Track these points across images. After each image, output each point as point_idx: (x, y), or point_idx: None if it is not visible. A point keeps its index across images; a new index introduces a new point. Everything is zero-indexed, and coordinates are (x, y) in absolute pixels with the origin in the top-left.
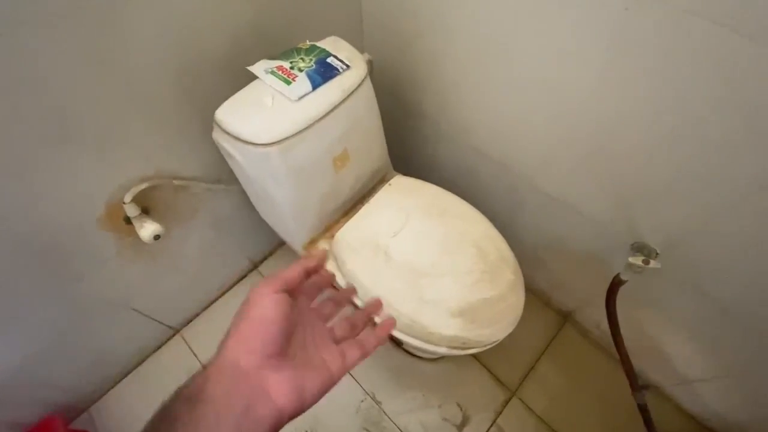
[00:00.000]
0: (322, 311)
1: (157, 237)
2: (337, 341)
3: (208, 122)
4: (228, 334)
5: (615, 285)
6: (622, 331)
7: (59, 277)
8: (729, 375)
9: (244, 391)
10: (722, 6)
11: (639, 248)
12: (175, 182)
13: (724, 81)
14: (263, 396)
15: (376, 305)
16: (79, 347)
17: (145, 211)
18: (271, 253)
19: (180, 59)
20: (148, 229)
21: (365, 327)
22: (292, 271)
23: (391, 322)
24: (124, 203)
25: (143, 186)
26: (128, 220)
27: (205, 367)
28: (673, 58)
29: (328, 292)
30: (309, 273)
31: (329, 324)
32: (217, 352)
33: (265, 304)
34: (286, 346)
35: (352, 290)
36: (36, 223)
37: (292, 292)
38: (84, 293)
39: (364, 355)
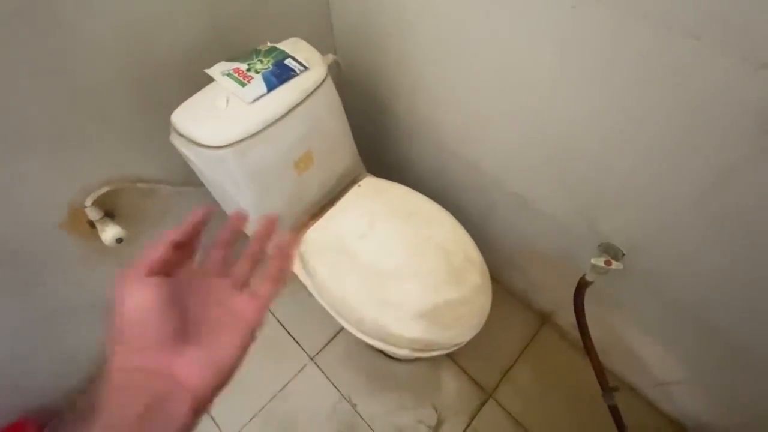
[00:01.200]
0: (212, 265)
1: (119, 240)
2: (242, 286)
3: (169, 125)
4: (110, 338)
5: (581, 286)
6: (596, 333)
7: (20, 284)
8: (693, 374)
9: (148, 390)
10: (661, 7)
11: (606, 249)
12: (140, 185)
13: (669, 81)
14: (172, 386)
15: (266, 223)
16: (49, 352)
17: (111, 215)
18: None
19: (135, 63)
20: (109, 233)
21: (263, 252)
22: (158, 251)
23: (293, 238)
24: (85, 207)
25: (104, 190)
26: (92, 224)
27: (95, 384)
28: (618, 58)
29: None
30: (184, 241)
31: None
32: (107, 359)
33: (135, 294)
34: (180, 326)
35: (237, 219)
36: None
37: (168, 268)
38: (49, 298)
39: (276, 284)
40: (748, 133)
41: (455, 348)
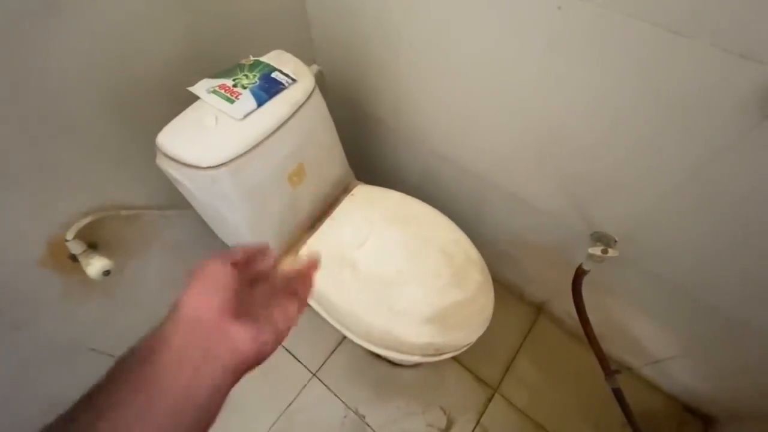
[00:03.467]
0: (271, 283)
1: (106, 273)
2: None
3: (153, 147)
4: (180, 298)
5: (579, 275)
6: (592, 318)
7: None
8: (691, 352)
9: (203, 338)
10: (646, 3)
11: (599, 238)
12: (123, 213)
13: (655, 74)
14: (223, 340)
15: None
16: (30, 398)
17: (93, 247)
18: None
19: (111, 85)
20: (95, 266)
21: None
22: (237, 253)
23: (313, 262)
24: (66, 241)
25: (86, 221)
26: (74, 258)
27: (159, 325)
28: (605, 55)
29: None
30: (250, 258)
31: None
32: (172, 309)
33: (218, 271)
34: (239, 306)
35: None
36: None
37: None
38: (28, 341)
39: (303, 305)
40: (733, 120)
41: (465, 348)
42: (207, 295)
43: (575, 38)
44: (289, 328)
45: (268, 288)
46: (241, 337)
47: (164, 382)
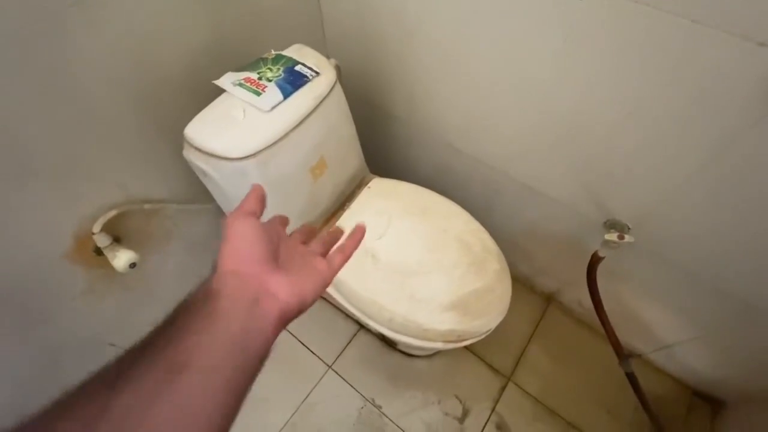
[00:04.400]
0: (297, 237)
1: (132, 265)
2: (318, 255)
3: (175, 141)
4: (218, 258)
5: (594, 262)
6: (604, 305)
7: (23, 322)
8: (701, 335)
9: (250, 288)
10: None
11: (612, 225)
12: (146, 206)
13: (671, 61)
14: (266, 292)
15: (357, 230)
16: (52, 392)
17: (117, 240)
18: None
19: (138, 81)
20: (122, 258)
21: (334, 242)
22: (247, 199)
23: (362, 227)
24: (93, 234)
25: (112, 214)
26: (99, 251)
27: (204, 282)
28: (623, 45)
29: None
30: (262, 199)
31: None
32: (213, 270)
33: (239, 226)
34: (272, 257)
35: (339, 231)
36: None
37: (257, 216)
38: (52, 334)
39: (346, 258)
40: (751, 107)
41: (485, 335)
42: (241, 251)
43: (594, 29)
44: (332, 277)
45: (302, 238)
46: (281, 287)
47: (223, 320)
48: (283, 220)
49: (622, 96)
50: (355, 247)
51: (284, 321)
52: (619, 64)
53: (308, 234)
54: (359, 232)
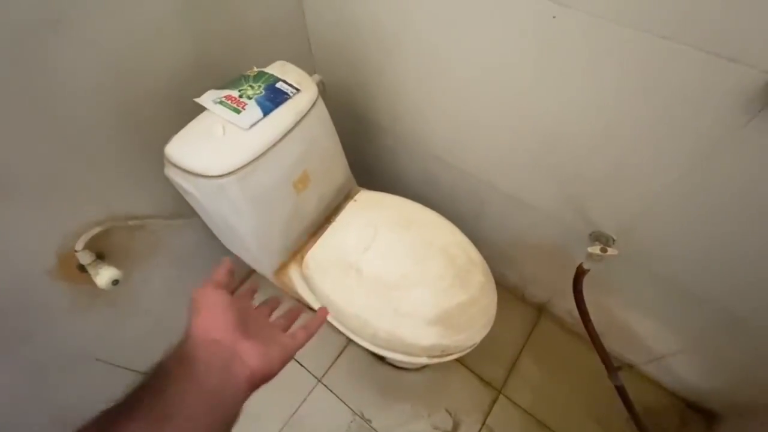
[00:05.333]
0: (267, 314)
1: (115, 282)
2: (283, 330)
3: (159, 158)
4: (190, 326)
5: (579, 274)
6: (593, 316)
7: (7, 338)
8: (690, 347)
9: (222, 354)
10: (638, 12)
11: (597, 237)
12: (131, 222)
13: (643, 78)
14: (237, 358)
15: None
16: (38, 410)
17: (100, 256)
18: (241, 282)
19: (121, 97)
20: (104, 276)
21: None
22: (216, 272)
23: (326, 310)
24: (76, 251)
25: (95, 231)
26: (82, 268)
27: (177, 346)
28: (598, 61)
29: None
30: (231, 272)
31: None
32: (185, 336)
33: (210, 296)
34: (244, 329)
35: (301, 309)
36: None
37: (226, 288)
38: (38, 350)
39: (309, 336)
40: (723, 120)
41: (470, 349)
42: (213, 319)
43: (567, 44)
44: (296, 351)
45: (267, 311)
46: (251, 354)
47: (200, 381)
48: (252, 290)
49: (598, 109)
50: (319, 326)
51: (253, 385)
52: (593, 77)
53: (273, 306)
54: (323, 314)
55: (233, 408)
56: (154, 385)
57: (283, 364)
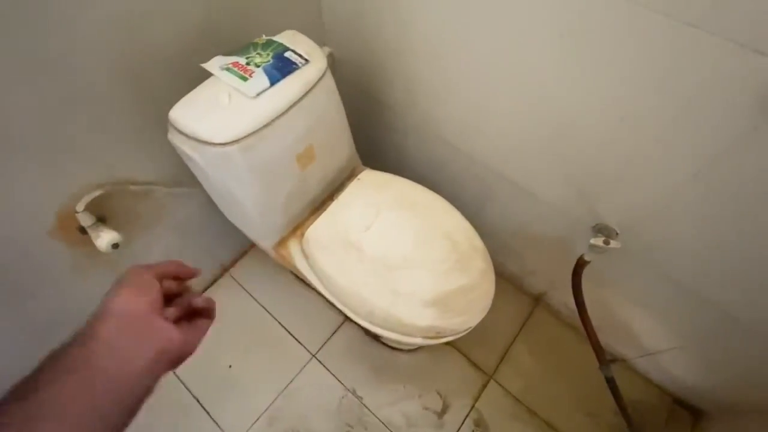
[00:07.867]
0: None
1: (115, 246)
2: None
3: (164, 124)
4: (113, 293)
5: (579, 266)
6: (589, 309)
7: (7, 298)
8: (683, 345)
9: (133, 328)
10: None
11: (600, 229)
12: (132, 188)
13: (668, 67)
14: (152, 330)
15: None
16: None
17: (102, 220)
18: (242, 255)
19: (127, 60)
20: (104, 239)
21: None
22: (167, 266)
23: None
24: (76, 212)
25: (96, 193)
26: (83, 230)
27: (86, 323)
28: (617, 46)
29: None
30: (178, 275)
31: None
32: (99, 308)
33: (144, 276)
34: (163, 311)
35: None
36: None
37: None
38: (38, 311)
39: (211, 322)
40: (744, 115)
41: (464, 333)
42: (136, 294)
43: (588, 27)
44: (200, 339)
45: (184, 302)
46: (169, 330)
47: (96, 364)
48: (184, 273)
49: (615, 99)
50: (213, 313)
51: (167, 363)
52: (612, 64)
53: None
54: (212, 305)
55: (140, 391)
56: (32, 381)
57: (194, 349)
